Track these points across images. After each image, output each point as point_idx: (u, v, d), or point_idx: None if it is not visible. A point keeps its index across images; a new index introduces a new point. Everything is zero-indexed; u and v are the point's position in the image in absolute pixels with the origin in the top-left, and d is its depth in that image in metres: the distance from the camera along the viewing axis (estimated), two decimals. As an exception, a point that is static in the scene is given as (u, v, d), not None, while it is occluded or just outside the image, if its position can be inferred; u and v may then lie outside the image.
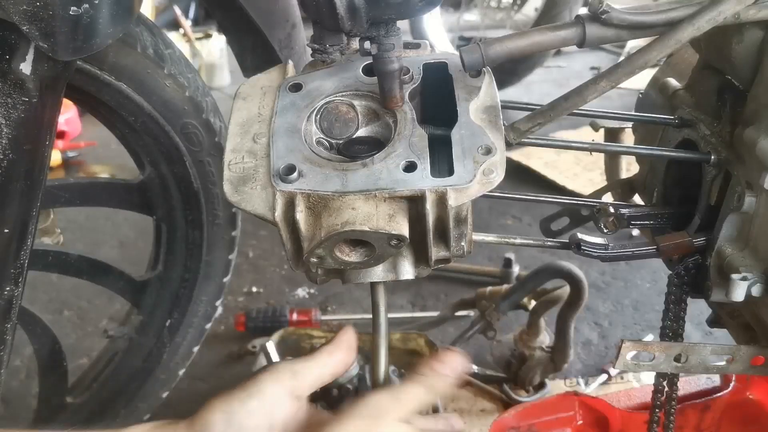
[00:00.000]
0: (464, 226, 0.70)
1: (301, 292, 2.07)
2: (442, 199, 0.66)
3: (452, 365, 0.73)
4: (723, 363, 0.84)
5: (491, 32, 3.71)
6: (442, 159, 0.69)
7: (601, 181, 2.35)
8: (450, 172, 0.67)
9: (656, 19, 0.69)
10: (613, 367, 1.62)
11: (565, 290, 1.53)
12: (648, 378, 1.60)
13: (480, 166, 0.67)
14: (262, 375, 0.70)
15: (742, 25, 0.73)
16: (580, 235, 0.81)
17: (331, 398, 1.37)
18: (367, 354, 1.52)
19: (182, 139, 1.14)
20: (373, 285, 0.78)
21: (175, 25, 4.23)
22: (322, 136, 0.74)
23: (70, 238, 2.26)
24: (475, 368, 1.66)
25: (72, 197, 1.17)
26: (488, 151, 0.68)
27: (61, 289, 2.04)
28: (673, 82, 0.96)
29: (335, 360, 0.75)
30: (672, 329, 0.89)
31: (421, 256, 0.73)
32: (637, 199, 1.05)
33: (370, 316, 0.79)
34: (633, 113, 0.97)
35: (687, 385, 1.29)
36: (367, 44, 0.71)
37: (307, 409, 0.72)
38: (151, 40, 1.06)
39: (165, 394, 1.43)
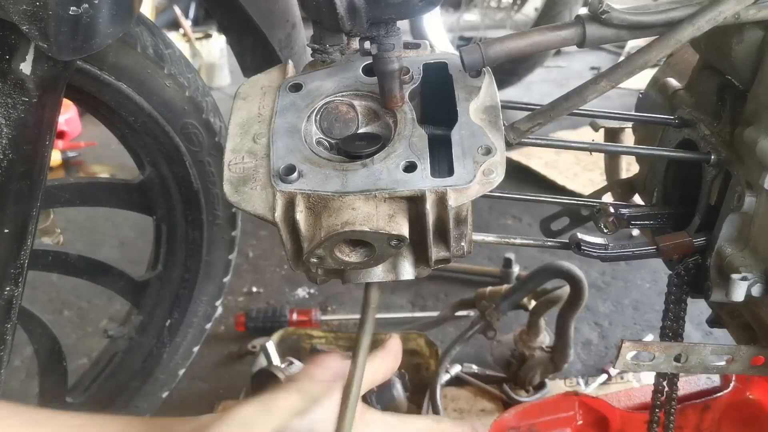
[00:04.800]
0: (464, 226, 0.70)
1: (301, 292, 2.07)
2: (442, 200, 0.66)
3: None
4: (723, 363, 0.84)
5: (491, 32, 3.71)
6: (442, 159, 0.69)
7: (601, 181, 2.35)
8: (450, 172, 0.67)
9: (656, 19, 0.69)
10: (613, 367, 1.62)
11: (565, 290, 1.52)
12: (648, 378, 1.60)
13: (480, 166, 0.67)
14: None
15: (742, 25, 0.73)
16: (580, 235, 0.81)
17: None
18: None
19: (182, 139, 1.14)
20: (367, 286, 0.77)
21: (175, 25, 4.23)
22: (322, 136, 0.74)
23: (70, 238, 2.26)
24: (475, 368, 1.66)
25: (72, 197, 1.17)
26: (488, 152, 0.68)
27: (61, 289, 2.04)
28: (673, 82, 0.96)
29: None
30: (672, 329, 0.89)
31: (421, 257, 0.73)
32: (637, 199, 1.05)
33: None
34: (633, 113, 0.97)
35: (687, 385, 1.29)
36: (367, 44, 0.71)
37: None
38: (151, 40, 1.06)
39: (165, 394, 1.43)
